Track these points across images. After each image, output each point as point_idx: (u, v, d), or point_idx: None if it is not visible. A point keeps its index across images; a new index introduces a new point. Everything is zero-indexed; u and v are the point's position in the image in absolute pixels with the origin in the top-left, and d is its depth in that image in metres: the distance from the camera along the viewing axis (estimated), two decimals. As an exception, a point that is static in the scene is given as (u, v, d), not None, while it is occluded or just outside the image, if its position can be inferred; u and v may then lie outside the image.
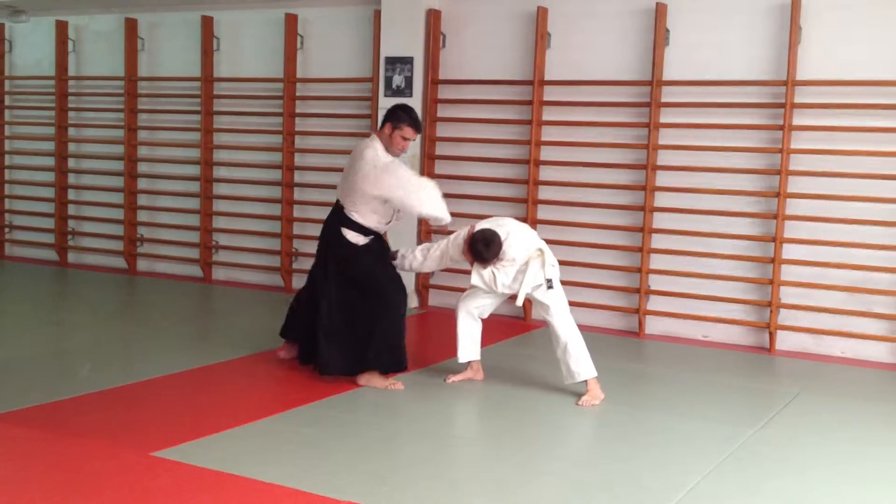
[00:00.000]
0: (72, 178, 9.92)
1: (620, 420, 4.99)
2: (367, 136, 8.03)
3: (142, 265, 9.54)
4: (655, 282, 7.22)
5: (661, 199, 7.18)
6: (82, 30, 9.75)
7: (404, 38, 7.83)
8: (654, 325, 7.25)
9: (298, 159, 8.65)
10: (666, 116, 7.13)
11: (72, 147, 9.89)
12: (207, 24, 8.88)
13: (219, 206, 9.10)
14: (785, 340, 6.83)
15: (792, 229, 6.77)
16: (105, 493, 3.60)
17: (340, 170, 8.28)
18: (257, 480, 3.78)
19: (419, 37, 7.81)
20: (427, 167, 7.92)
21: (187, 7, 9.05)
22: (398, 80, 7.84)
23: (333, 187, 8.29)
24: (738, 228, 6.95)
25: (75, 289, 8.91)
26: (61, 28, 9.68)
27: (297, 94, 8.61)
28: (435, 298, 8.08)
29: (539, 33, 7.44)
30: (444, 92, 7.96)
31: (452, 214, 7.82)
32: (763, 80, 6.80)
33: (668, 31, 7.04)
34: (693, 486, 3.95)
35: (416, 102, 7.79)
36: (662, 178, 7.17)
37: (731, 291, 6.99)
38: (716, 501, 3.83)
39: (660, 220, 7.18)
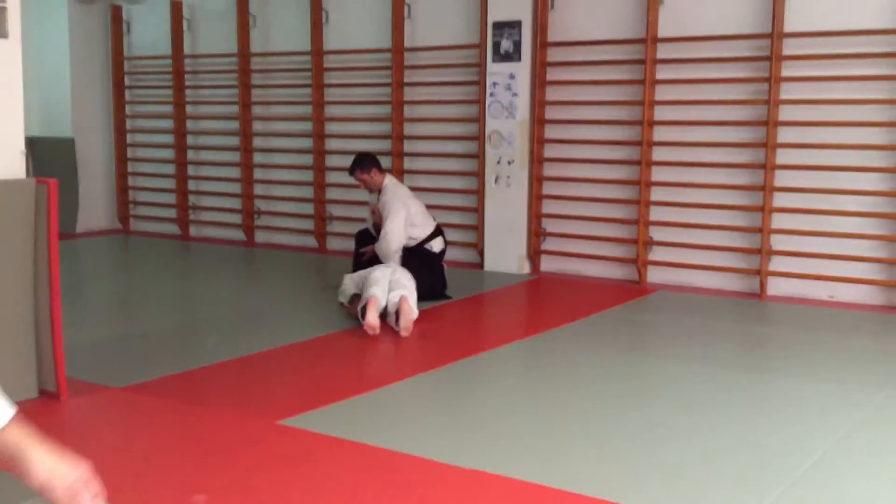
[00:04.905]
0: (191, 154, 10.23)
1: (745, 386, 4.86)
2: (476, 102, 8.10)
3: (259, 237, 9.79)
4: (778, 242, 6.98)
5: (783, 157, 6.91)
6: (196, 9, 9.99)
7: (512, 2, 7.73)
8: (776, 287, 7.02)
9: (408, 128, 8.69)
10: (788, 70, 6.84)
11: (190, 124, 10.19)
12: (315, -3, 8.98)
13: (331, 177, 9.24)
14: (918, 300, 6.53)
15: (925, 184, 6.44)
16: (236, 461, 3.72)
17: (450, 138, 8.38)
18: (382, 448, 3.84)
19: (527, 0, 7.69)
20: (537, 131, 7.84)
21: (295, -19, 9.17)
22: (506, 44, 7.76)
23: (443, 156, 8.41)
24: (865, 184, 6.64)
25: (198, 262, 9.22)
26: (176, 8, 9.94)
27: (406, 63, 8.62)
28: (547, 264, 8.02)
29: (651, -11, 7.23)
30: (554, 55, 7.83)
31: (564, 180, 7.81)
32: (890, 28, 6.45)
33: (787, -20, 6.74)
34: (823, 453, 3.82)
35: (524, 66, 7.71)
36: (784, 135, 6.90)
37: (858, 250, 6.70)
38: (847, 469, 3.70)
39: (782, 178, 6.92)
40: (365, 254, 6.92)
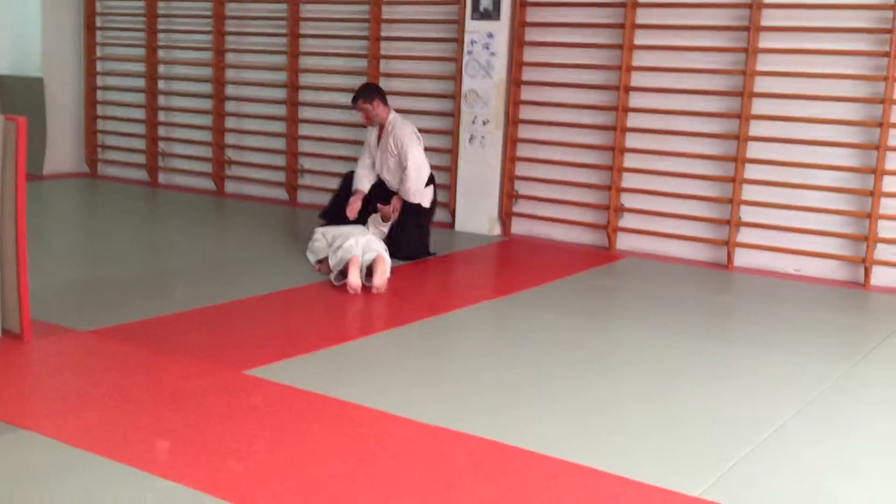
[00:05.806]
0: (162, 100, 10.08)
1: (708, 355, 4.93)
2: (452, 60, 8.03)
3: (230, 187, 9.70)
4: (747, 213, 7.04)
5: (756, 128, 6.95)
6: (171, -49, 9.79)
7: (493, -41, 7.65)
8: (743, 258, 7.10)
9: (383, 84, 8.58)
10: (766, 41, 6.85)
11: (162, 69, 10.03)
12: (294, -56, 8.82)
13: (304, 129, 9.15)
14: (879, 275, 6.62)
15: (894, 161, 6.49)
16: (201, 410, 3.72)
17: (425, 95, 8.32)
18: (347, 402, 3.85)
19: (508, -43, 7.61)
20: (513, 93, 7.80)
21: (274, -73, 8.99)
22: (486, 2, 7.68)
23: (420, 112, 8.33)
24: (837, 159, 6.70)
25: (167, 209, 9.12)
26: (151, -51, 9.73)
27: (383, 16, 8.52)
28: (517, 227, 8.04)
29: (633, -47, 7.18)
30: (533, 15, 7.77)
31: (539, 142, 7.80)
32: (869, 4, 6.47)
33: (770, -50, 6.72)
34: (782, 424, 3.89)
35: (503, 26, 7.65)
36: (759, 106, 6.93)
37: (826, 224, 6.78)
38: (805, 439, 3.77)
39: (754, 150, 6.96)
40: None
